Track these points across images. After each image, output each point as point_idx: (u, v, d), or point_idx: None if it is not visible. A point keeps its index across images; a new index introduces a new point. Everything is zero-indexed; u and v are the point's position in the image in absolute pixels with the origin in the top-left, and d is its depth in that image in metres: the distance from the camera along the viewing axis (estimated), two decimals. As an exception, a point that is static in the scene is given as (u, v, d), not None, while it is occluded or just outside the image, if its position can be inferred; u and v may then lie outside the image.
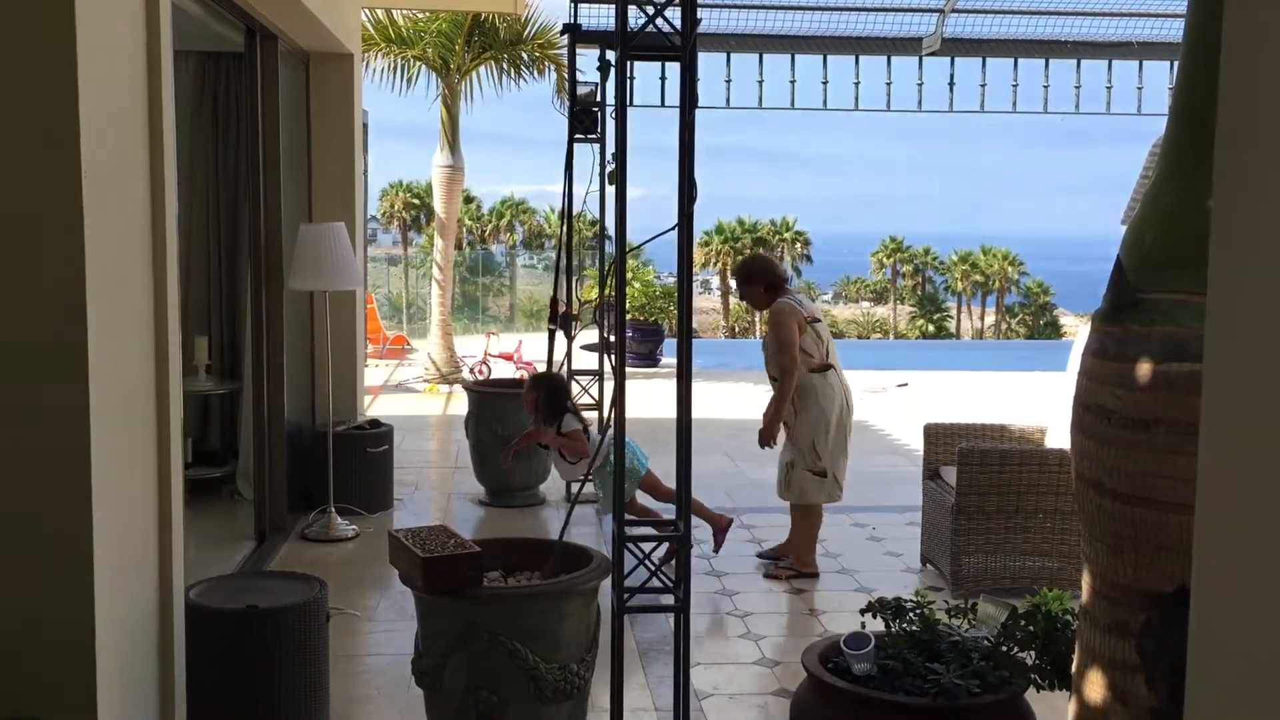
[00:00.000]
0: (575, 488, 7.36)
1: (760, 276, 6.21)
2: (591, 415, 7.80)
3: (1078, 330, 7.04)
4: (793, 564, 6.14)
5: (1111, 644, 2.38)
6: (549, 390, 6.33)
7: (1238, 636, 1.25)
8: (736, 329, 44.58)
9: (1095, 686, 2.42)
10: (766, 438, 6.03)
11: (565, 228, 7.53)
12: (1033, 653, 3.28)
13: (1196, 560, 1.31)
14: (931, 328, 46.62)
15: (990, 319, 48.84)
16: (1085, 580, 2.49)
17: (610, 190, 7.65)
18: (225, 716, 3.85)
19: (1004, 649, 3.29)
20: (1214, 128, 2.29)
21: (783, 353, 5.90)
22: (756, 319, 45.26)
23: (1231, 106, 1.26)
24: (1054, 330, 44.78)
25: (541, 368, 13.13)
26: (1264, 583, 1.21)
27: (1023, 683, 3.21)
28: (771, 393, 6.05)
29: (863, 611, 3.57)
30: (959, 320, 49.33)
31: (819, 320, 6.13)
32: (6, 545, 2.80)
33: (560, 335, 7.63)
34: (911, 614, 3.47)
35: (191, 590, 3.92)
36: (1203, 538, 1.30)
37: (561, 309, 7.76)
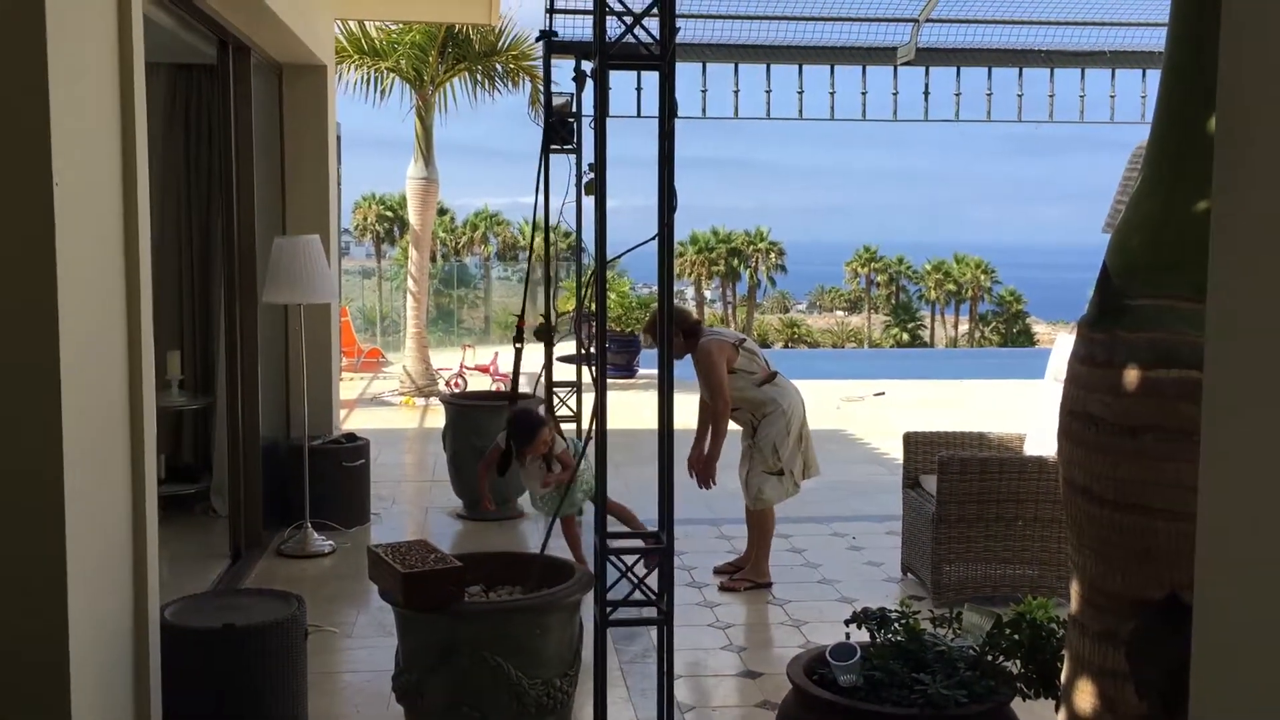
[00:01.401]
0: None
1: (677, 327, 5.89)
2: (570, 427, 7.76)
3: (1055, 338, 7.08)
4: (748, 574, 6.10)
5: (1101, 652, 2.36)
6: (527, 439, 5.83)
7: (1242, 645, 1.23)
8: (712, 339, 44.61)
9: (1085, 695, 2.41)
10: (705, 479, 6.04)
11: (538, 239, 7.50)
12: (1018, 661, 3.26)
13: (1199, 568, 1.30)
14: (906, 336, 46.86)
15: (964, 327, 49.15)
16: (1074, 588, 2.48)
17: (587, 201, 7.64)
18: (202, 737, 3.79)
19: (989, 658, 3.28)
20: (1197, 133, 2.30)
21: (716, 396, 5.87)
22: (731, 329, 45.39)
23: (1230, 105, 1.24)
24: (1027, 338, 45.11)
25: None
26: (1268, 589, 1.19)
27: (1009, 692, 3.20)
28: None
29: (847, 622, 3.55)
30: (933, 329, 49.60)
31: (745, 339, 6.15)
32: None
33: (527, 350, 7.54)
34: (896, 624, 3.45)
35: (166, 609, 3.85)
36: (1204, 545, 1.29)
37: (537, 323, 7.73)
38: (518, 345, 7.35)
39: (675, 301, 4.12)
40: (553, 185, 7.64)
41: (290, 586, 5.02)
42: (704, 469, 6.03)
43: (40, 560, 2.76)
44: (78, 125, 2.92)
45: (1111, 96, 9.74)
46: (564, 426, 7.84)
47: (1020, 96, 9.63)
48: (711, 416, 5.99)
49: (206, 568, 6.05)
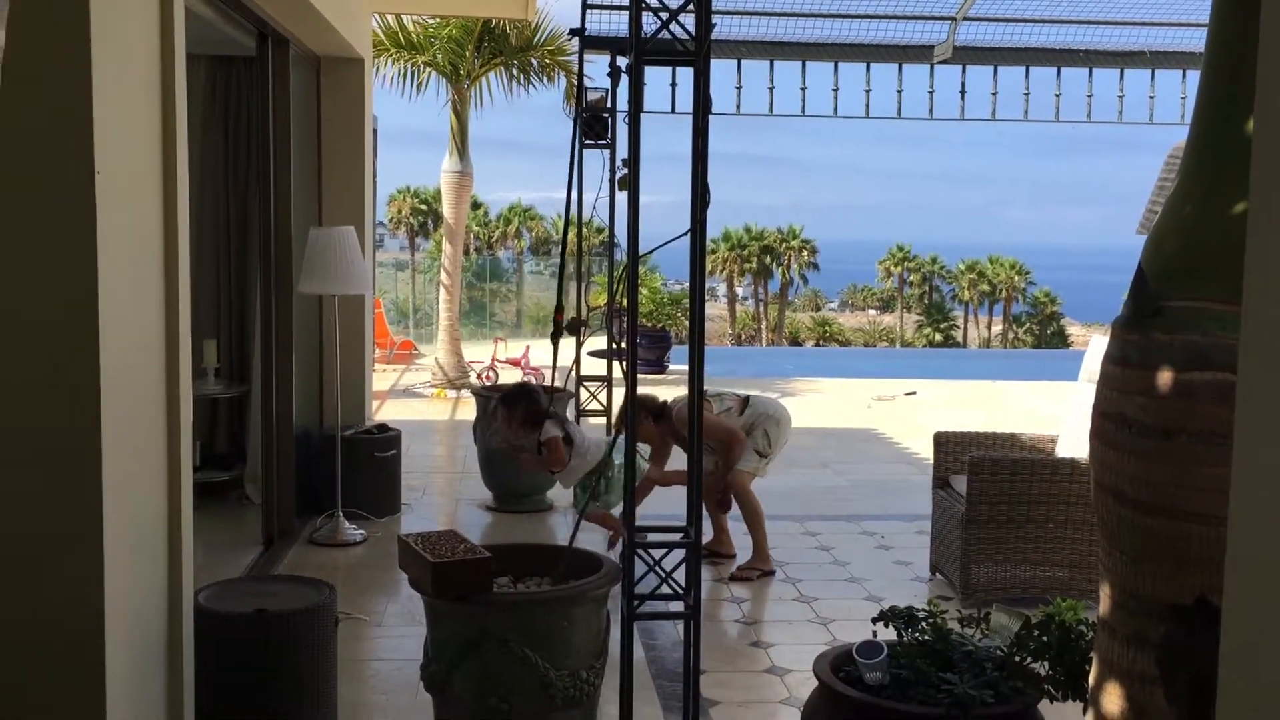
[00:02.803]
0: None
1: (644, 411, 6.16)
2: (600, 421, 7.79)
3: (1089, 339, 7.04)
4: (755, 563, 6.19)
5: (1130, 656, 2.35)
6: (511, 406, 6.01)
7: (1270, 649, 1.23)
8: (743, 336, 44.55)
9: (1113, 699, 2.40)
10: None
11: (570, 233, 7.52)
12: (1046, 663, 3.25)
13: (1229, 571, 1.29)
14: (939, 336, 46.56)
15: (997, 328, 48.78)
16: (1104, 591, 2.47)
17: (620, 196, 7.65)
18: (233, 719, 3.84)
19: (1017, 659, 3.26)
20: (1235, 135, 2.28)
21: (731, 443, 6.15)
22: (763, 327, 45.27)
23: (1269, 106, 1.24)
24: (1061, 340, 44.71)
25: (549, 374, 13.14)
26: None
27: (1036, 693, 3.18)
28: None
29: (874, 620, 3.55)
30: (965, 329, 49.27)
31: (703, 391, 6.19)
32: (18, 548, 2.79)
33: (563, 344, 7.56)
34: (924, 623, 3.44)
35: (200, 594, 3.90)
36: (1235, 548, 1.28)
37: (569, 318, 7.74)
38: (557, 338, 7.37)
39: (706, 300, 4.12)
40: (586, 180, 7.67)
41: (321, 574, 5.06)
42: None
43: (78, 544, 2.80)
44: (119, 116, 2.96)
45: (1150, 97, 9.65)
46: (594, 421, 7.88)
47: (1058, 96, 9.55)
48: (726, 454, 6.20)
49: (239, 554, 6.11)
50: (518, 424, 5.97)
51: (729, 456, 6.20)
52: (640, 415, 6.08)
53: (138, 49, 3.16)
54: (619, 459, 5.72)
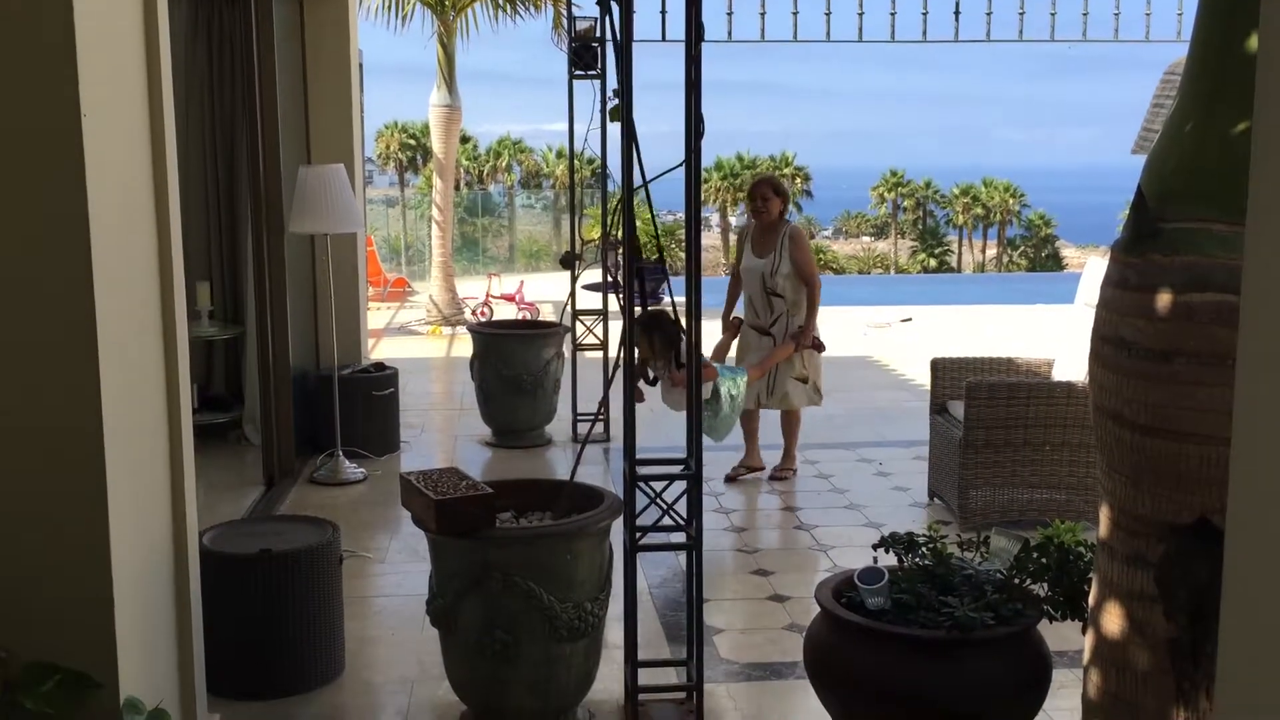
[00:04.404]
0: (583, 428, 7.37)
1: (787, 196, 6.74)
2: (596, 355, 7.79)
3: (1084, 262, 7.02)
4: (788, 465, 6.75)
5: (1130, 575, 2.38)
6: (652, 330, 6.19)
7: (1275, 567, 1.24)
8: (737, 266, 44.40)
9: (1113, 618, 2.43)
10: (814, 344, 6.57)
11: (562, 167, 7.45)
12: (1045, 584, 3.29)
13: (1232, 491, 1.30)
14: (933, 262, 46.49)
15: (991, 252, 48.68)
16: (1103, 512, 2.49)
17: (612, 127, 7.56)
18: (242, 659, 3.89)
19: (1017, 581, 3.30)
20: (1236, 51, 2.25)
21: (811, 268, 6.49)
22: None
23: (1274, 21, 1.21)
24: (1056, 263, 44.66)
25: (544, 309, 13.12)
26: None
27: (1035, 614, 3.23)
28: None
29: (875, 546, 3.58)
30: (960, 254, 49.17)
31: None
32: (20, 501, 2.79)
33: (552, 279, 7.58)
34: (924, 548, 3.47)
35: (204, 535, 3.93)
36: (1238, 467, 1.29)
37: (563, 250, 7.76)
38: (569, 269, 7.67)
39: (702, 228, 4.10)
40: (577, 112, 7.57)
41: (323, 513, 5.09)
42: (804, 340, 6.48)
43: (83, 490, 2.80)
44: (103, 56, 2.90)
45: (1147, 14, 9.52)
46: (591, 356, 7.88)
47: (1054, 16, 9.42)
48: (799, 291, 6.46)
49: (241, 495, 6.15)
50: (660, 345, 6.16)
51: (814, 295, 6.46)
52: (782, 196, 6.59)
53: (118, -13, 3.10)
54: (728, 389, 6.01)
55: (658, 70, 6.41)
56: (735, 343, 6.68)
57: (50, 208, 2.75)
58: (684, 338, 5.97)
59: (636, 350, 6.07)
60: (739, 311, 6.71)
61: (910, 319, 13.78)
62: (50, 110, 2.71)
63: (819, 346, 6.57)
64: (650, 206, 3.84)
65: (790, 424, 6.73)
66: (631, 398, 3.73)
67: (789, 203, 6.89)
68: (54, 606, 2.81)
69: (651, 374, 6.08)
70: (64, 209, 2.74)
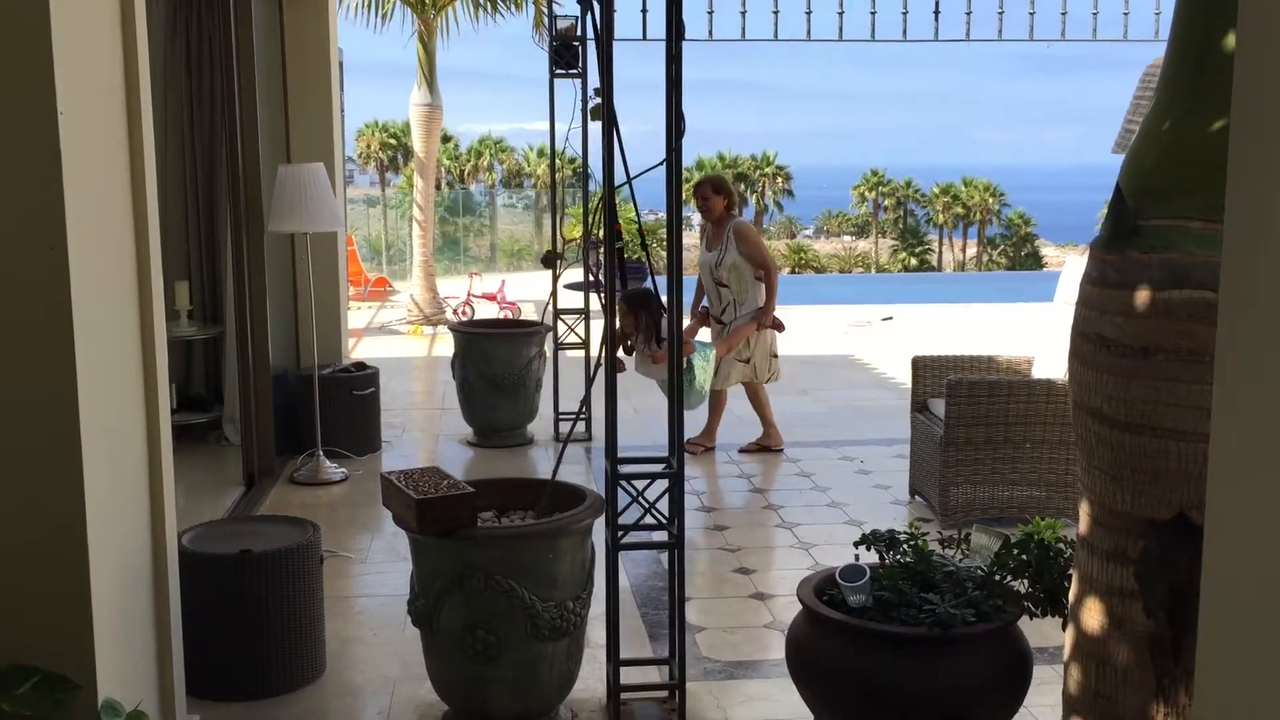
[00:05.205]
0: (565, 427, 7.36)
1: (729, 193, 7.19)
2: (578, 355, 7.78)
3: (1064, 261, 7.07)
4: (769, 437, 7.24)
5: (1109, 571, 2.39)
6: (638, 307, 6.62)
7: (1253, 564, 1.25)
8: (718, 265, 44.44)
9: (1093, 614, 2.44)
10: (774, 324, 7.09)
11: (544, 167, 7.45)
12: (1026, 581, 3.30)
13: (1211, 486, 1.30)
14: (914, 261, 46.64)
15: (972, 251, 48.86)
16: (1083, 508, 2.50)
17: (593, 127, 7.56)
18: (221, 660, 3.87)
19: (997, 578, 3.31)
20: (1214, 50, 2.26)
21: (762, 256, 7.04)
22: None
23: (1252, 20, 1.22)
24: (1036, 261, 44.86)
25: (526, 308, 13.09)
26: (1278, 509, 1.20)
27: (1016, 611, 3.24)
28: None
29: (856, 544, 3.59)
30: (940, 253, 49.33)
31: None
32: (-3, 494, 2.77)
33: (535, 278, 7.60)
34: (905, 545, 3.48)
35: (184, 536, 3.91)
36: (1217, 463, 1.29)
37: (545, 249, 7.78)
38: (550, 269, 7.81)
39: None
40: (558, 111, 7.57)
41: (304, 514, 5.06)
42: (764, 323, 7.02)
43: (59, 492, 2.78)
44: (80, 54, 2.88)
45: (1125, 14, 9.56)
46: (572, 355, 7.87)
47: (1032, 15, 9.45)
48: (757, 278, 7.02)
49: (221, 495, 6.11)
50: (645, 323, 6.64)
51: (771, 280, 7.00)
52: (722, 192, 7.11)
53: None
54: (699, 364, 6.61)
55: (639, 69, 6.41)
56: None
57: (26, 207, 2.73)
58: (665, 315, 6.24)
59: (619, 322, 6.31)
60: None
61: (891, 318, 13.82)
62: (26, 108, 2.69)
63: (779, 326, 7.12)
64: (635, 206, 3.85)
65: (755, 400, 7.23)
66: (614, 399, 3.73)
67: (733, 199, 7.19)
68: (31, 608, 2.79)
69: (629, 343, 6.69)
70: (40, 208, 2.71)
